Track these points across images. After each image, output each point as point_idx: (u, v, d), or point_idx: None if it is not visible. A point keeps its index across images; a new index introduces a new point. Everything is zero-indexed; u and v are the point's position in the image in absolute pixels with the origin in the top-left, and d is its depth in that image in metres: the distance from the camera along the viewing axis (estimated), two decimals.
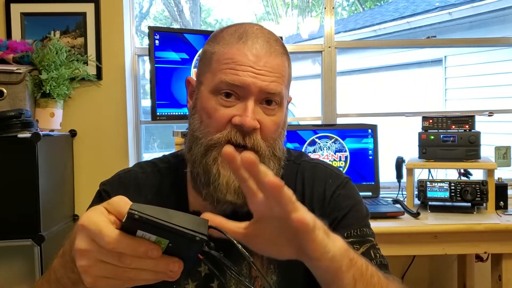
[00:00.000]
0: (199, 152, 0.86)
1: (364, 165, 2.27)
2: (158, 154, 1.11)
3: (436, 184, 2.04)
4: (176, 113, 2.10)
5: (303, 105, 5.05)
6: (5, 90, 2.02)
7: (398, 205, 2.07)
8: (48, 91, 2.10)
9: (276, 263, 0.90)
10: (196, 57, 2.14)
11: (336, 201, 0.93)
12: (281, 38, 2.34)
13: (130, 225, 0.56)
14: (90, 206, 0.97)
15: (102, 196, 0.95)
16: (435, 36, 2.71)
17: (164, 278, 0.59)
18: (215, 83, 0.84)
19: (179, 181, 0.94)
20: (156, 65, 2.05)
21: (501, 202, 2.06)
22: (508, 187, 2.12)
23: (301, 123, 2.64)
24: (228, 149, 0.59)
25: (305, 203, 0.90)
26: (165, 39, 2.08)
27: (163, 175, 0.97)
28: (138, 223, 0.55)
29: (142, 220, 0.55)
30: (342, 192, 0.94)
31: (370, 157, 2.27)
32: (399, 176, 2.28)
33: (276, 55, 0.86)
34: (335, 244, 0.64)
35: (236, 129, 0.83)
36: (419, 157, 2.16)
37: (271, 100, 0.86)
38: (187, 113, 0.95)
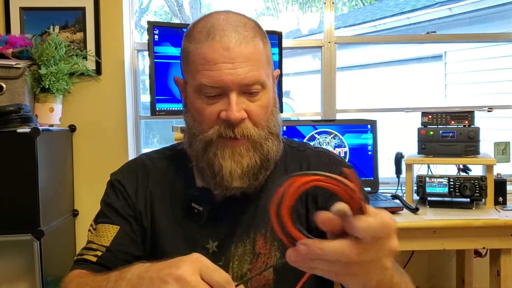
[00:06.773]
0: (199, 149, 0.91)
1: (363, 160, 2.27)
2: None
3: (435, 179, 2.05)
4: (176, 108, 2.10)
5: (303, 101, 5.06)
6: (4, 85, 2.02)
7: (397, 201, 2.07)
8: (47, 86, 2.10)
9: (280, 240, 0.91)
10: None
11: None
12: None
13: None
14: (104, 196, 1.01)
15: (114, 185, 1.00)
16: (435, 32, 2.71)
17: None
18: (196, 85, 0.87)
19: (185, 163, 0.99)
20: (155, 60, 2.04)
21: (500, 198, 2.07)
22: (507, 182, 2.13)
23: (301, 118, 2.64)
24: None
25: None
26: (165, 34, 2.07)
27: (170, 160, 1.02)
28: None
29: None
30: None
31: (370, 153, 2.27)
32: (398, 171, 2.28)
33: (247, 42, 0.86)
34: None
35: (225, 123, 0.87)
36: (418, 153, 2.16)
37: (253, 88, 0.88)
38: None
